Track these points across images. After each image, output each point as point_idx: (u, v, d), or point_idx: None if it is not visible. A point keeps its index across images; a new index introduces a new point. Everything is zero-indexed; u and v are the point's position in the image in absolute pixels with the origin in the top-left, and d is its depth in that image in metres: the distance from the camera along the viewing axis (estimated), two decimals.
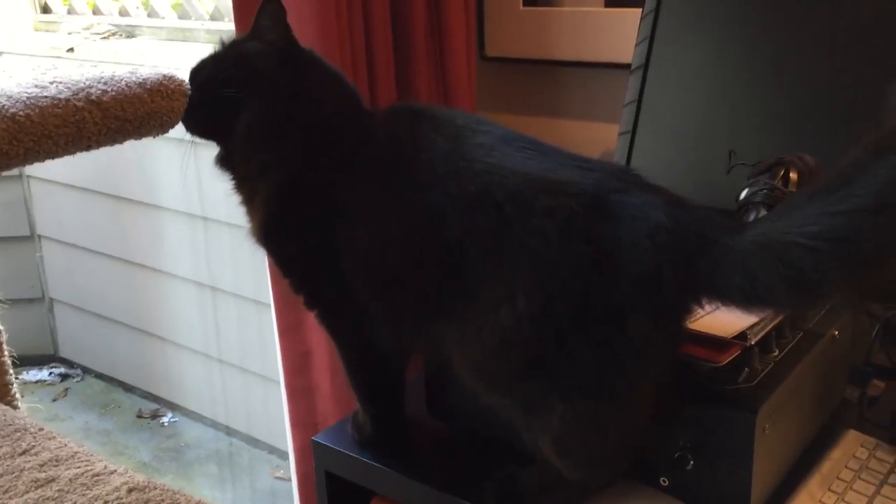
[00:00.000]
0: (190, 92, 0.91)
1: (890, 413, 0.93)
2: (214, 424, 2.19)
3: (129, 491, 0.72)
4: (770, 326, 0.85)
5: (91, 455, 0.78)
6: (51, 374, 2.50)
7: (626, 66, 1.25)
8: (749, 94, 1.15)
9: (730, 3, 1.18)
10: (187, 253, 2.09)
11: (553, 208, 0.74)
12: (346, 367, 0.96)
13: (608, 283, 0.71)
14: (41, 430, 0.83)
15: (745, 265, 0.69)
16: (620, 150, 1.23)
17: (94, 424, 2.25)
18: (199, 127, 0.94)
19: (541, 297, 0.73)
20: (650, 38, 1.22)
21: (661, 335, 0.73)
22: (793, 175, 0.98)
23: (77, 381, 2.47)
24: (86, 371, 2.50)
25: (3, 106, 0.77)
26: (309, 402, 1.38)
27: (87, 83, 0.83)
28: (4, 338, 0.99)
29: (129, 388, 2.39)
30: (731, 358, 0.80)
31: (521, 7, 1.47)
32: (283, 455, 1.99)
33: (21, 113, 0.77)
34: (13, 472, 0.76)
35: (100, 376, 2.47)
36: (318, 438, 1.01)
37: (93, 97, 0.81)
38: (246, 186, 0.93)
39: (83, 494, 0.72)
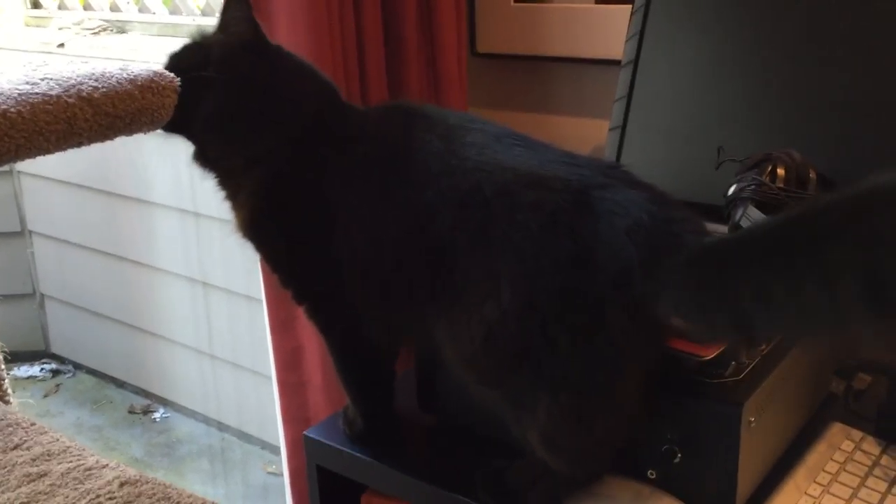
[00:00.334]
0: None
1: (875, 406, 0.94)
2: (206, 420, 2.19)
3: (121, 485, 0.72)
4: None
5: (83, 449, 0.78)
6: (42, 370, 2.49)
7: (617, 62, 1.25)
8: (738, 90, 1.16)
9: None
10: (179, 249, 2.09)
11: (537, 203, 0.75)
12: (335, 361, 0.97)
13: (587, 277, 0.72)
14: (33, 424, 0.83)
15: (696, 285, 0.69)
16: (611, 146, 1.24)
17: (85, 420, 2.25)
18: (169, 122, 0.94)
19: (524, 291, 0.74)
20: (640, 34, 1.22)
21: (640, 330, 0.73)
22: (780, 171, 0.99)
23: (68, 377, 2.47)
24: (77, 367, 2.50)
25: None
26: (300, 398, 1.38)
27: (78, 80, 0.83)
28: None
29: (120, 384, 2.39)
30: (717, 352, 0.81)
31: (512, 3, 1.48)
32: (275, 450, 1.99)
33: (12, 110, 0.77)
34: (5, 467, 0.76)
35: (91, 372, 2.47)
36: (310, 433, 1.01)
37: (84, 94, 0.82)
38: (230, 182, 0.93)
39: (75, 488, 0.73)
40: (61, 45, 2.14)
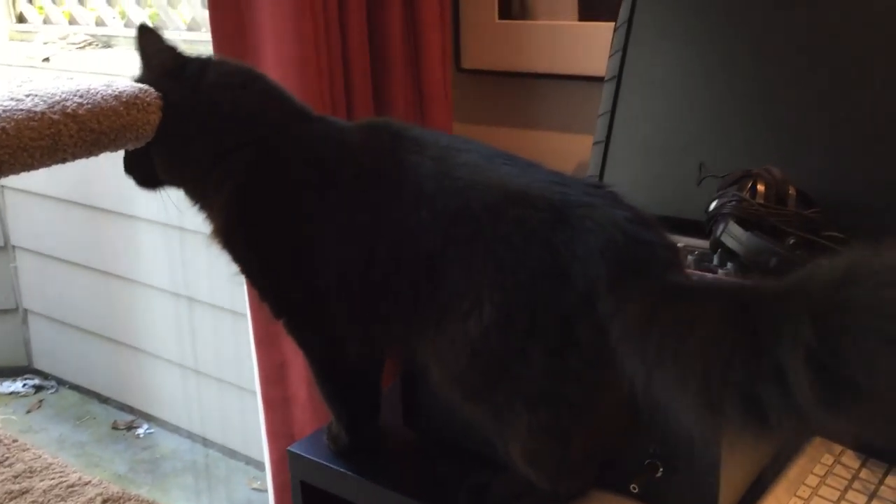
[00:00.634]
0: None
1: None
2: (190, 435, 2.18)
3: (104, 502, 0.72)
4: None
5: (65, 466, 0.78)
6: (24, 385, 2.47)
7: (600, 79, 1.27)
8: (720, 107, 1.17)
9: (701, 16, 1.20)
10: (163, 263, 2.08)
11: (519, 219, 0.75)
12: (316, 376, 0.96)
13: (560, 292, 0.73)
14: (15, 441, 0.83)
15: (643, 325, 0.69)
16: (594, 161, 1.25)
17: (68, 436, 2.23)
18: (142, 180, 0.97)
19: (503, 306, 0.75)
20: (623, 51, 1.24)
21: (610, 346, 0.73)
22: (760, 187, 1.00)
23: (51, 393, 2.45)
24: (60, 382, 2.48)
25: None
26: (285, 413, 1.38)
27: (63, 96, 0.83)
28: None
29: (104, 400, 2.38)
30: None
31: (497, 20, 1.49)
32: (260, 466, 1.99)
33: None
34: None
35: (74, 388, 2.45)
36: (294, 448, 1.01)
37: (68, 110, 0.82)
38: (207, 203, 0.94)
39: None
40: (46, 60, 2.14)
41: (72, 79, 0.89)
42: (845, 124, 1.08)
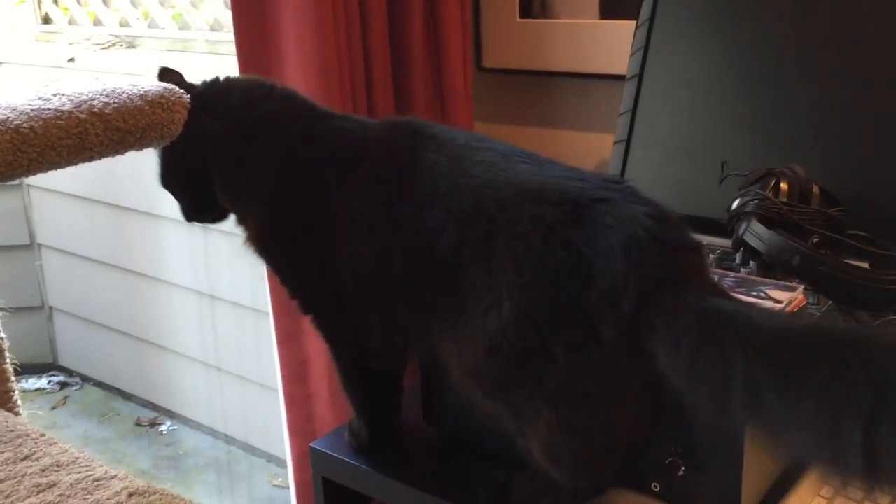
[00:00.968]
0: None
1: None
2: (213, 432, 2.20)
3: (130, 495, 0.73)
4: None
5: (92, 460, 0.79)
6: (50, 382, 2.50)
7: (621, 77, 1.26)
8: (742, 105, 1.17)
9: (723, 14, 1.20)
10: (186, 261, 2.10)
11: (538, 216, 0.75)
12: (340, 372, 0.98)
13: (582, 290, 0.73)
14: (42, 435, 0.84)
15: (694, 345, 0.69)
16: (615, 160, 1.25)
17: (92, 432, 2.26)
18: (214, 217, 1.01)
19: (523, 303, 0.75)
20: (644, 49, 1.24)
21: (634, 344, 0.73)
22: (783, 186, 0.99)
23: (76, 390, 2.48)
24: (85, 379, 2.51)
25: (8, 118, 0.79)
26: (307, 410, 1.39)
27: (90, 95, 0.84)
28: (6, 345, 1.01)
29: (127, 397, 2.40)
30: None
31: (518, 19, 1.49)
32: (282, 463, 2.00)
33: (25, 125, 0.78)
34: (15, 477, 0.77)
35: (99, 384, 2.48)
36: (316, 445, 1.02)
37: (95, 109, 0.83)
38: (242, 215, 0.97)
39: (84, 499, 0.73)
40: (71, 60, 2.16)
41: (98, 79, 0.90)
42: (869, 122, 1.07)
